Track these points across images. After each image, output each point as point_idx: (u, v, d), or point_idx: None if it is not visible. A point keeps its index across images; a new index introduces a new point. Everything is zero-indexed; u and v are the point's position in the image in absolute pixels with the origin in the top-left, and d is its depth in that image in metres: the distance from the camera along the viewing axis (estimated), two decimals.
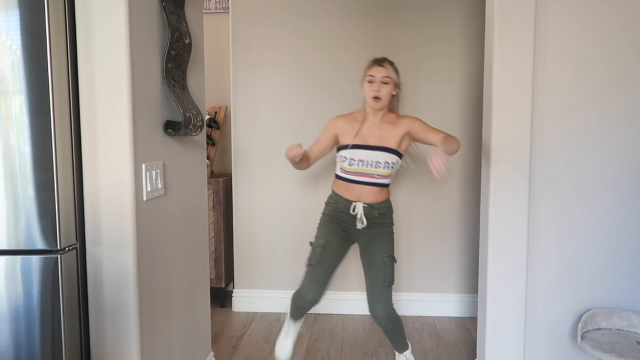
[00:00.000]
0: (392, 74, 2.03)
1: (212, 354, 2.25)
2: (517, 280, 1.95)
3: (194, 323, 1.99)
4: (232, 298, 3.16)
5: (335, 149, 2.18)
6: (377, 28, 2.96)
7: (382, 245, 2.07)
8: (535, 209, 1.94)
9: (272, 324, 2.92)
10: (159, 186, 1.58)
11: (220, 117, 3.34)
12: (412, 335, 2.74)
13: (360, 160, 2.03)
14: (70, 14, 1.34)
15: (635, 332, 1.89)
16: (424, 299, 3.07)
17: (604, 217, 1.93)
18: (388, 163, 2.03)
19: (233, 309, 3.15)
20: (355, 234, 2.10)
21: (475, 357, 2.23)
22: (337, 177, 2.14)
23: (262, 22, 2.99)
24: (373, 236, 2.09)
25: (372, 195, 2.06)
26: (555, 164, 1.93)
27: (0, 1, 1.25)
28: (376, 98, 2.01)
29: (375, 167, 2.02)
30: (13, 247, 1.31)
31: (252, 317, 3.04)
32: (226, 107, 3.37)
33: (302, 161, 2.06)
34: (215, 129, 3.29)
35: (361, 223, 2.05)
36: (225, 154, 3.43)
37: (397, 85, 2.08)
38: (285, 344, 2.24)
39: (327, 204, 2.16)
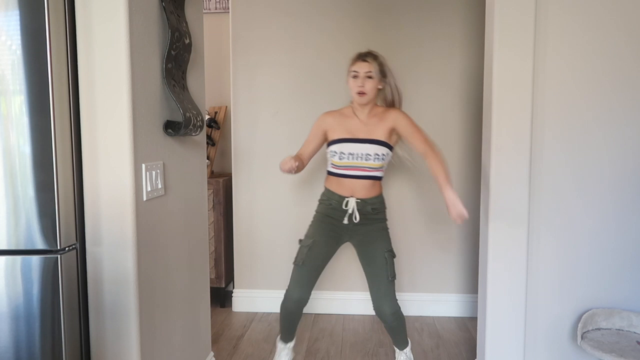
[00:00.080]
0: (376, 68, 2.03)
1: (212, 354, 2.25)
2: (517, 280, 1.95)
3: (194, 323, 1.99)
4: (232, 298, 3.16)
5: (325, 146, 2.18)
6: (377, 29, 2.96)
7: (380, 242, 2.07)
8: (535, 209, 1.94)
9: (272, 324, 2.92)
10: (159, 186, 1.58)
11: (220, 117, 3.34)
12: (412, 335, 2.74)
13: (350, 154, 2.03)
14: (70, 14, 1.34)
15: (635, 332, 1.89)
16: (424, 299, 3.07)
17: (603, 217, 1.93)
18: (378, 155, 2.03)
19: (233, 309, 3.15)
20: (349, 232, 2.09)
21: (475, 357, 2.23)
22: (329, 173, 2.14)
23: (262, 23, 2.99)
24: (368, 233, 2.08)
25: (364, 189, 2.06)
26: (555, 164, 1.93)
27: (0, 1, 1.25)
28: (361, 93, 2.02)
29: (366, 160, 2.02)
30: (13, 247, 1.31)
31: (252, 317, 3.04)
32: (226, 107, 3.37)
33: (298, 167, 2.07)
34: (215, 129, 3.29)
35: (354, 218, 2.04)
36: (225, 154, 3.43)
37: (382, 79, 2.07)
38: None
39: (320, 201, 2.16)
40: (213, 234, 3.05)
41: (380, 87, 2.08)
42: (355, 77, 2.04)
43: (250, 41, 3.00)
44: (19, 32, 1.26)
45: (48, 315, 1.31)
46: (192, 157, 1.93)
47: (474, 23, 2.91)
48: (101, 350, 1.44)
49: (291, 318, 2.14)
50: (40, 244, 1.30)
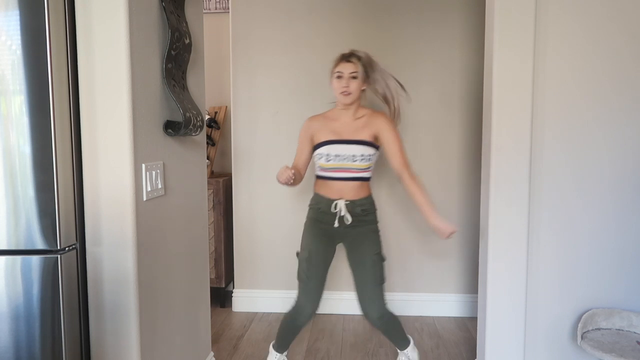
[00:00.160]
0: (360, 68, 2.03)
1: (212, 354, 2.25)
2: (517, 280, 1.95)
3: (194, 323, 1.99)
4: (232, 298, 3.16)
5: (312, 150, 2.15)
6: (377, 29, 2.96)
7: (369, 244, 2.05)
8: (535, 209, 1.94)
9: (272, 324, 2.92)
10: (159, 186, 1.58)
11: (220, 117, 3.34)
12: (412, 335, 2.74)
13: (336, 155, 2.02)
14: (70, 14, 1.34)
15: (635, 332, 1.89)
16: (424, 299, 3.07)
17: (603, 217, 1.93)
18: (364, 155, 2.02)
19: (233, 309, 3.15)
20: (340, 234, 2.07)
21: (475, 357, 2.23)
22: (317, 177, 2.12)
23: (262, 23, 2.99)
24: (358, 235, 2.06)
25: (353, 191, 2.04)
26: (555, 164, 1.93)
27: (0, 1, 1.25)
28: (345, 93, 2.01)
29: (352, 161, 2.02)
30: (13, 247, 1.31)
31: (252, 317, 3.04)
32: (226, 107, 3.37)
33: (295, 177, 2.06)
34: (215, 129, 3.29)
35: (345, 220, 2.03)
36: (225, 154, 3.43)
37: (366, 80, 2.06)
38: None
39: (310, 206, 2.14)
40: (213, 234, 3.05)
41: (364, 88, 2.07)
42: (339, 77, 2.03)
43: (250, 41, 3.00)
44: (19, 32, 1.26)
45: (48, 315, 1.31)
46: (192, 157, 1.93)
47: (474, 23, 2.91)
48: (101, 350, 1.44)
49: (297, 331, 2.13)
50: (40, 244, 1.30)
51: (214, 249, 3.06)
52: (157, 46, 1.58)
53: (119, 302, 1.43)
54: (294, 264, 2.98)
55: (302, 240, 2.11)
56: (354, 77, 2.02)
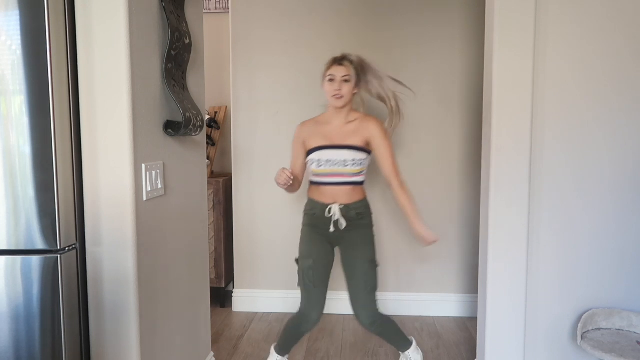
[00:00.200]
0: (352, 72, 2.03)
1: (212, 354, 2.25)
2: (517, 280, 1.95)
3: (194, 323, 1.99)
4: (232, 298, 3.16)
5: (305, 155, 2.15)
6: (378, 29, 2.96)
7: (362, 251, 2.04)
8: (535, 209, 1.94)
9: (272, 324, 2.92)
10: (159, 186, 1.58)
11: (220, 117, 3.34)
12: (412, 335, 2.74)
13: (327, 160, 2.02)
14: (70, 14, 1.34)
15: (635, 332, 1.89)
16: (424, 299, 3.07)
17: (603, 217, 1.93)
18: (355, 160, 2.02)
19: (233, 309, 3.15)
20: (336, 238, 2.07)
21: (475, 357, 2.23)
22: (311, 182, 2.12)
23: (262, 23, 2.99)
24: (352, 240, 2.05)
25: (346, 195, 2.04)
26: (555, 164, 1.93)
27: (0, 1, 1.25)
28: (338, 96, 2.01)
29: (344, 166, 2.01)
30: (13, 247, 1.31)
31: (252, 317, 3.04)
32: (226, 107, 3.37)
33: (294, 182, 2.07)
34: (215, 129, 3.29)
35: (339, 225, 2.02)
36: (225, 154, 3.43)
37: (358, 84, 2.07)
38: None
39: (305, 212, 2.14)
40: (213, 234, 3.05)
41: (355, 91, 2.08)
42: (331, 80, 2.03)
43: (250, 41, 3.00)
44: (19, 32, 1.26)
45: (48, 315, 1.31)
46: (192, 157, 1.93)
47: (474, 23, 2.91)
48: (101, 350, 1.44)
49: (301, 336, 2.13)
50: (40, 244, 1.30)
51: (214, 249, 3.06)
52: (157, 46, 1.58)
53: (119, 302, 1.43)
54: (294, 265, 2.99)
55: (301, 247, 2.11)
56: (346, 81, 2.02)
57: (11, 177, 1.29)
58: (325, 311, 3.03)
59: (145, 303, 1.50)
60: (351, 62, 2.05)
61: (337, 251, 2.13)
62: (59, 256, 1.31)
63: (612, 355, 1.68)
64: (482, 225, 2.05)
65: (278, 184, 1.97)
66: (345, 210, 2.03)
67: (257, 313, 3.10)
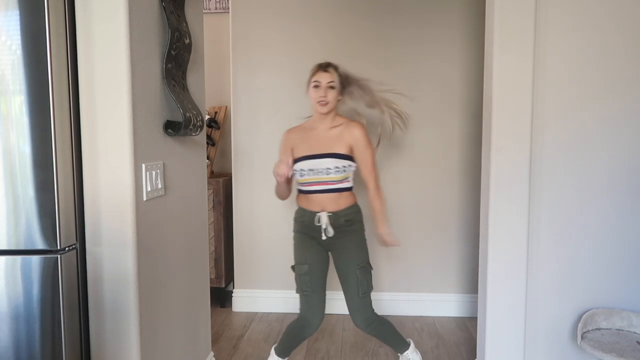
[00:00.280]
0: (337, 79, 2.05)
1: (212, 354, 2.25)
2: (517, 280, 1.95)
3: (194, 323, 1.99)
4: (232, 298, 3.16)
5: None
6: (378, 29, 2.96)
7: (354, 256, 2.04)
8: (535, 209, 1.94)
9: (272, 324, 2.92)
10: (159, 186, 1.58)
11: (220, 117, 3.34)
12: (412, 335, 2.74)
13: (310, 170, 2.03)
14: (70, 14, 1.34)
15: (635, 332, 1.89)
16: (424, 299, 3.07)
17: (603, 217, 1.93)
18: (338, 167, 2.02)
19: (233, 309, 3.15)
20: (327, 245, 2.08)
21: (475, 357, 2.23)
22: (298, 190, 2.14)
23: (262, 22, 2.99)
24: (343, 246, 2.06)
25: (333, 202, 2.04)
26: (555, 164, 1.93)
27: (0, 1, 1.25)
28: (323, 103, 2.02)
29: (327, 174, 2.02)
30: (13, 247, 1.31)
31: (252, 317, 3.04)
32: (226, 107, 3.37)
33: (287, 185, 2.09)
34: (215, 129, 3.29)
35: (326, 233, 2.03)
36: (225, 154, 3.43)
37: (342, 90, 2.09)
38: None
39: (295, 219, 2.16)
40: (213, 234, 3.05)
41: (340, 97, 2.09)
42: (316, 87, 2.04)
43: (250, 41, 3.00)
44: (19, 32, 1.26)
45: (48, 315, 1.31)
46: (192, 157, 1.93)
47: (474, 23, 2.91)
48: (101, 350, 1.44)
49: (302, 340, 2.14)
50: (40, 244, 1.30)
51: (214, 249, 3.06)
52: (157, 46, 1.58)
53: (119, 302, 1.43)
54: None
55: (295, 254, 2.12)
56: (332, 87, 2.03)
57: (11, 177, 1.29)
58: (326, 311, 3.04)
59: (145, 303, 1.50)
60: (335, 68, 2.08)
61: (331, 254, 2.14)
62: (59, 256, 1.31)
63: (612, 355, 1.68)
64: (482, 225, 2.05)
65: (277, 175, 1.97)
66: (334, 217, 2.04)
67: (257, 313, 3.10)
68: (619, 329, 1.91)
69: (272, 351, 2.21)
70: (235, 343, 2.67)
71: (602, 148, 1.91)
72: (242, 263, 3.12)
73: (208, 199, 2.79)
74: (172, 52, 1.62)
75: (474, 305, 3.02)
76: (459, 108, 2.96)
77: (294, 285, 2.12)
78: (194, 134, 1.78)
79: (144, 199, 1.48)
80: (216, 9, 3.37)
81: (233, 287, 3.18)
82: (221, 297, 3.19)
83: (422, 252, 3.04)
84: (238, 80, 3.03)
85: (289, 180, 2.11)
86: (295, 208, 3.08)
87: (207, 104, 3.35)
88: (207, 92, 3.32)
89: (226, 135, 3.37)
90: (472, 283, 3.04)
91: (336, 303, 3.05)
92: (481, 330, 2.06)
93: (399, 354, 2.21)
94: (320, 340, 2.71)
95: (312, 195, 2.06)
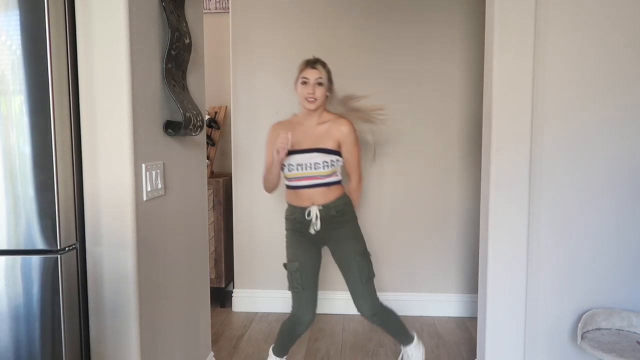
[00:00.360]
0: (325, 75, 2.05)
1: (212, 354, 2.25)
2: (517, 280, 1.95)
3: (194, 323, 1.99)
4: (232, 298, 3.16)
5: None
6: (378, 29, 2.96)
7: (351, 245, 2.05)
8: (535, 209, 1.94)
9: (272, 324, 2.92)
10: (159, 186, 1.58)
11: (220, 117, 3.34)
12: None
13: (298, 165, 2.04)
14: (70, 14, 1.34)
15: (635, 332, 1.89)
16: (423, 299, 3.07)
17: (603, 217, 1.93)
18: (327, 162, 2.03)
19: (233, 309, 3.15)
20: (322, 239, 2.08)
21: (475, 357, 2.23)
22: (286, 187, 2.13)
23: (262, 23, 2.99)
24: (339, 237, 2.07)
25: (322, 196, 2.05)
26: (555, 164, 1.93)
27: (0, 1, 1.25)
28: (311, 99, 2.02)
29: (315, 169, 2.02)
30: (13, 247, 1.31)
31: (252, 317, 3.04)
32: (226, 107, 3.37)
33: (275, 172, 2.06)
34: (215, 129, 3.29)
35: (315, 227, 2.03)
36: (225, 154, 3.43)
37: (329, 88, 2.09)
38: None
39: (286, 218, 2.15)
40: (213, 234, 3.05)
41: (328, 94, 2.09)
42: (304, 83, 2.05)
43: (251, 41, 3.00)
44: (19, 32, 1.26)
45: (48, 315, 1.31)
46: (192, 157, 1.93)
47: (474, 25, 2.91)
48: (101, 350, 1.44)
49: (296, 338, 2.14)
50: (40, 244, 1.30)
51: (214, 249, 3.06)
52: (157, 46, 1.58)
53: (119, 302, 1.43)
54: None
55: (287, 252, 2.12)
56: (320, 84, 2.04)
57: (11, 177, 1.29)
58: (325, 311, 3.06)
59: (145, 303, 1.50)
60: (324, 65, 2.08)
61: (326, 252, 2.14)
62: (59, 256, 1.31)
63: (612, 355, 1.68)
64: (482, 225, 2.05)
65: (279, 149, 1.95)
66: (325, 210, 2.04)
67: (257, 313, 3.10)
68: (619, 329, 1.91)
69: (270, 352, 2.21)
70: (235, 343, 2.67)
71: (602, 148, 1.91)
72: (242, 263, 3.12)
73: (208, 199, 2.79)
74: (172, 52, 1.63)
75: (474, 305, 3.02)
76: (459, 108, 2.96)
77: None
78: (194, 134, 1.78)
79: (144, 199, 1.48)
80: (216, 9, 3.37)
81: (233, 287, 3.18)
82: (221, 297, 3.19)
83: (422, 252, 3.04)
84: (238, 80, 3.03)
85: (275, 169, 2.07)
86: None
87: (207, 104, 3.35)
88: (207, 92, 3.32)
89: (226, 135, 3.37)
90: (472, 283, 3.04)
91: (336, 303, 3.05)
92: (481, 330, 2.06)
93: (401, 347, 2.21)
94: (320, 340, 2.71)
95: (300, 190, 2.06)
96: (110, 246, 1.41)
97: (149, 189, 1.50)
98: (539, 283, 1.97)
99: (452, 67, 2.94)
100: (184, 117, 1.63)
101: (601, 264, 1.95)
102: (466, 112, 2.96)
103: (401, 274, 3.06)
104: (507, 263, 1.95)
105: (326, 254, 2.18)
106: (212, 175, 3.20)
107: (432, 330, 2.83)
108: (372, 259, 2.10)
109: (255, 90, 3.03)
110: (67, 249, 1.34)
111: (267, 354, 2.24)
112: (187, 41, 1.71)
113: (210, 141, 3.24)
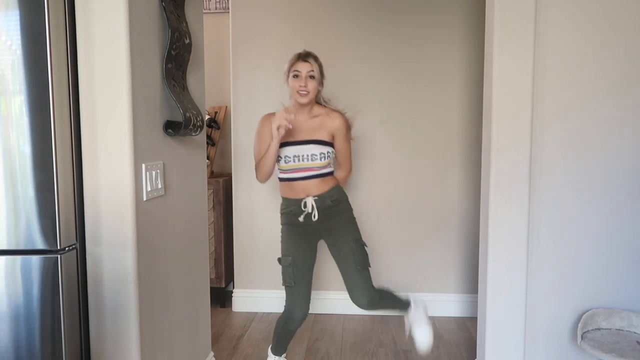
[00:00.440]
0: (317, 68, 2.04)
1: (212, 354, 2.25)
2: (517, 280, 1.95)
3: (194, 323, 1.99)
4: (232, 298, 3.16)
5: None
6: (378, 29, 2.96)
7: (346, 233, 2.05)
8: (535, 209, 1.94)
9: (272, 324, 2.91)
10: (159, 186, 1.58)
11: (220, 117, 3.34)
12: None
13: (295, 156, 2.03)
14: (70, 14, 1.34)
15: (635, 332, 1.89)
16: (423, 299, 3.06)
17: (603, 217, 1.93)
18: (323, 154, 2.03)
19: (233, 309, 3.15)
20: (319, 231, 2.08)
21: (475, 357, 2.23)
22: (280, 180, 2.12)
23: (262, 23, 2.99)
24: (335, 227, 2.07)
25: (317, 186, 2.05)
26: (555, 164, 1.93)
27: (0, 1, 1.25)
28: (303, 93, 2.01)
29: (312, 160, 2.03)
30: (13, 247, 1.31)
31: (252, 317, 3.04)
32: (226, 107, 3.37)
33: (270, 162, 2.02)
34: (215, 129, 3.29)
35: (313, 217, 2.03)
36: (225, 154, 3.43)
37: (321, 82, 2.08)
38: None
39: (282, 212, 2.14)
40: (213, 234, 3.05)
41: (320, 88, 2.09)
42: (296, 76, 2.03)
43: (250, 41, 3.00)
44: (19, 32, 1.26)
45: (48, 315, 1.31)
46: (192, 157, 1.93)
47: (475, 25, 2.91)
48: (101, 350, 1.44)
49: (291, 334, 2.14)
50: (40, 244, 1.30)
51: (214, 249, 3.06)
52: (157, 46, 1.58)
53: (119, 302, 1.43)
54: None
55: (282, 247, 2.12)
56: (312, 77, 2.03)
57: (11, 177, 1.29)
58: (325, 311, 3.06)
59: (145, 303, 1.50)
60: (315, 58, 2.07)
61: (324, 251, 2.14)
62: (59, 256, 1.31)
63: (612, 355, 1.68)
64: (482, 225, 2.05)
65: (276, 125, 1.91)
66: (320, 200, 2.04)
67: (257, 313, 3.10)
68: (619, 329, 1.91)
69: (269, 351, 2.21)
70: (235, 343, 2.67)
71: (602, 148, 1.91)
72: (242, 263, 3.12)
73: (208, 199, 2.79)
74: (172, 52, 1.62)
75: (474, 305, 3.02)
76: (459, 108, 2.96)
77: None
78: (194, 134, 1.78)
79: (144, 199, 1.48)
80: (216, 9, 3.37)
81: (233, 287, 3.18)
82: (221, 297, 3.19)
83: (422, 252, 3.04)
84: (238, 80, 3.03)
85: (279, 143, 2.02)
86: None
87: (207, 104, 3.35)
88: (207, 92, 3.32)
89: (226, 135, 3.37)
90: (472, 283, 3.04)
91: (336, 303, 3.05)
92: (481, 330, 2.06)
93: (405, 316, 2.22)
94: (320, 340, 2.71)
95: (295, 182, 2.06)
96: (110, 246, 1.41)
97: (149, 189, 1.50)
98: (539, 283, 1.97)
99: (452, 67, 2.94)
100: (184, 117, 1.63)
101: (601, 264, 1.95)
102: (466, 112, 2.96)
103: (401, 274, 3.05)
104: (507, 263, 1.95)
105: (324, 253, 2.18)
106: (212, 175, 3.20)
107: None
108: (372, 258, 2.10)
109: (255, 90, 3.03)
110: (67, 249, 1.34)
111: (267, 354, 2.24)
112: (187, 41, 1.71)
113: (210, 141, 3.24)
